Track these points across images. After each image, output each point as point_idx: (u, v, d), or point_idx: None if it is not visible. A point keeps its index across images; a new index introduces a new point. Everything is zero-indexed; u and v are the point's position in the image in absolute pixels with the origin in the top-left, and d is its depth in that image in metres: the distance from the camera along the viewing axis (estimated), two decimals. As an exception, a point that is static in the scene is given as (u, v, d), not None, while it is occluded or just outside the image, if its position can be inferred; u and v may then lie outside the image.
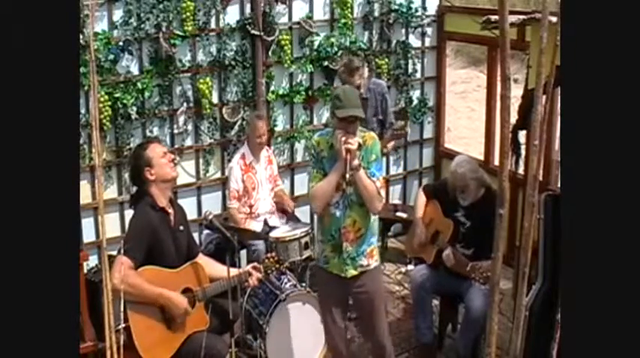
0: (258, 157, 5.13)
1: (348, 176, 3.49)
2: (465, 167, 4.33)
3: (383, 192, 3.72)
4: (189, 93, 5.26)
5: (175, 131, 5.25)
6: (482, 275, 4.07)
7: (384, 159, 5.85)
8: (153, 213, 3.69)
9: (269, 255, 4.13)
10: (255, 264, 4.03)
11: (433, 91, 6.46)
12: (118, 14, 4.85)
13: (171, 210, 3.81)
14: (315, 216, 3.88)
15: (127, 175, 5.10)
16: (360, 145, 3.57)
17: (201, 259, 3.94)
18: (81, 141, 4.79)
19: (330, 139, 3.63)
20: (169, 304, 3.56)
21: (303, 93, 5.74)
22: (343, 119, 3.51)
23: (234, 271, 3.87)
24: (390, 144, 5.40)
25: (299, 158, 5.90)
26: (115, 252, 3.95)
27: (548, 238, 3.82)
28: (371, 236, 3.76)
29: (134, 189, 3.89)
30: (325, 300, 3.90)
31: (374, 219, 3.77)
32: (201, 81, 5.23)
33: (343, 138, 3.49)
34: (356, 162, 3.52)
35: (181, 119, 5.25)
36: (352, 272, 3.71)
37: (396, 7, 6.01)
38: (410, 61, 6.21)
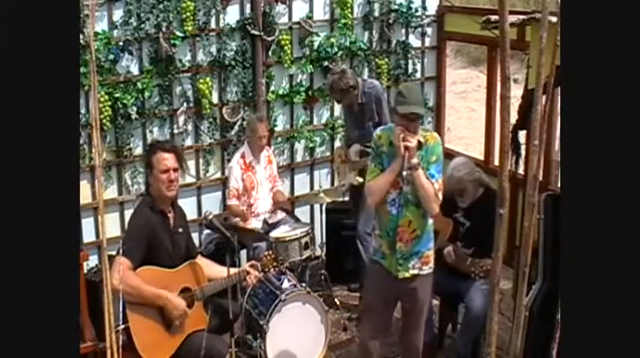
0: (258, 157, 5.13)
1: (405, 174, 3.43)
2: (462, 170, 4.32)
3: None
4: (189, 93, 5.26)
5: (175, 131, 5.25)
6: (481, 268, 4.08)
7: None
8: (151, 214, 3.69)
9: (267, 253, 4.13)
10: (253, 261, 4.03)
11: (433, 91, 6.45)
12: (118, 14, 4.85)
13: (170, 214, 3.80)
14: (373, 211, 3.78)
15: (126, 175, 5.11)
16: (420, 144, 3.49)
17: (200, 260, 3.94)
18: (81, 141, 4.79)
19: (392, 135, 3.54)
20: (167, 306, 3.56)
21: (303, 93, 5.74)
22: (404, 116, 3.45)
23: (232, 270, 3.86)
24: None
25: (299, 158, 5.90)
26: (114, 252, 3.96)
27: (548, 238, 3.82)
28: (427, 240, 3.67)
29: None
30: (372, 295, 3.84)
31: (430, 223, 3.67)
32: (201, 81, 5.23)
33: (402, 135, 3.43)
34: (415, 160, 3.44)
35: (181, 119, 5.25)
36: (404, 274, 3.63)
37: (396, 7, 6.01)
38: (410, 61, 6.21)
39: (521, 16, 4.01)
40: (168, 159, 3.70)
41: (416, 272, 3.66)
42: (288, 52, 5.57)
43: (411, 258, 3.63)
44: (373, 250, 3.82)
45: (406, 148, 3.40)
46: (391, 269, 3.67)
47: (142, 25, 4.90)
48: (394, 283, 3.68)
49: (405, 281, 3.66)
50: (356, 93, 4.95)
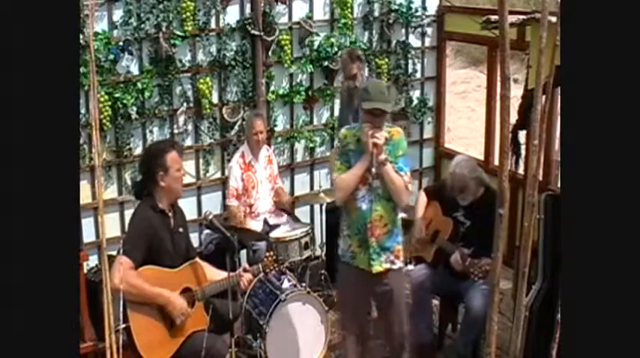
0: (257, 156, 5.13)
1: (374, 170, 3.51)
2: (465, 167, 4.33)
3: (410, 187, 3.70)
4: (189, 93, 5.26)
5: (175, 131, 5.24)
6: (480, 269, 4.09)
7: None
8: (153, 214, 3.69)
9: (267, 254, 4.13)
10: (245, 266, 4.04)
11: (433, 91, 6.45)
12: (118, 14, 4.85)
13: (171, 213, 3.80)
14: (342, 210, 3.86)
15: (126, 175, 5.11)
16: (386, 139, 3.58)
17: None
18: (81, 141, 4.79)
19: (358, 133, 3.64)
20: (169, 305, 3.56)
21: (303, 93, 5.74)
22: (369, 112, 3.53)
23: (226, 274, 3.86)
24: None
25: (299, 158, 5.90)
26: (115, 252, 3.95)
27: (548, 238, 3.82)
28: (397, 234, 3.76)
29: (140, 177, 3.88)
30: (347, 296, 3.90)
31: (399, 217, 3.77)
32: (201, 81, 5.22)
33: (370, 132, 3.49)
34: (383, 156, 3.53)
35: (181, 119, 5.24)
36: (378, 268, 3.69)
37: (396, 7, 6.00)
38: (410, 61, 6.20)
39: (521, 16, 4.01)
40: (179, 158, 3.76)
41: (388, 266, 3.72)
42: (288, 52, 5.56)
43: (383, 252, 3.69)
44: (342, 251, 3.85)
45: (374, 145, 3.48)
46: (363, 266, 3.71)
47: (142, 25, 4.90)
48: (367, 280, 3.73)
49: (379, 277, 3.71)
50: (357, 73, 5.11)
